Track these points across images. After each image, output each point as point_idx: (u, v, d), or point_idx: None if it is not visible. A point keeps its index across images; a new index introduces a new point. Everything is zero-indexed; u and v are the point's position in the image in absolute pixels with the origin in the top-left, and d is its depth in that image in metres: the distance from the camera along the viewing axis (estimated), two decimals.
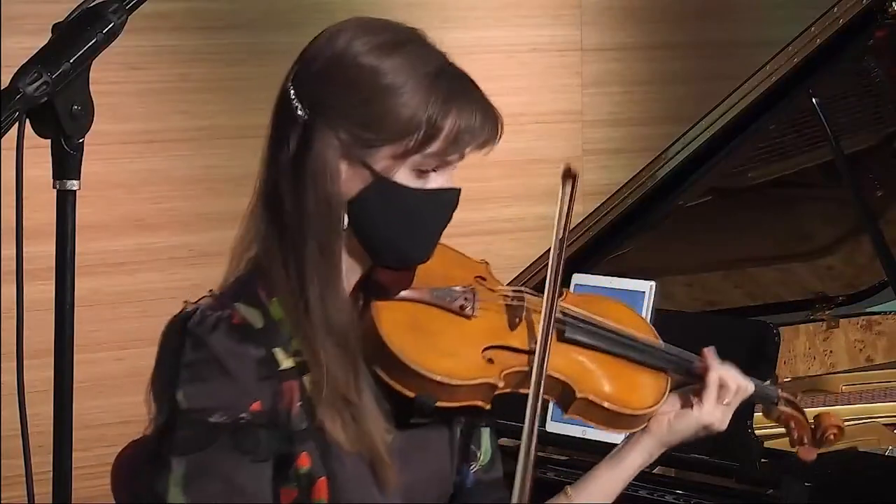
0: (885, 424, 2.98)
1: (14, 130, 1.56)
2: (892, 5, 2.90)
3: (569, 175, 1.94)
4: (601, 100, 5.12)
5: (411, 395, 1.84)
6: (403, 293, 1.89)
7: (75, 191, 1.62)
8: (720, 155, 3.15)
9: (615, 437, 2.74)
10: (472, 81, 1.86)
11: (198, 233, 4.43)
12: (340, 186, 1.81)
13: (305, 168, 1.81)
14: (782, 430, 2.96)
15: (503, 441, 2.91)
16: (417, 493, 1.90)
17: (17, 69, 1.58)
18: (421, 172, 1.83)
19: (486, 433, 2.03)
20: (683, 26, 5.28)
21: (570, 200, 1.94)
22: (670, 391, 2.05)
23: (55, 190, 1.62)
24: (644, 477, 2.72)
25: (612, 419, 2.00)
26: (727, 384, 2.06)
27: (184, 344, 1.78)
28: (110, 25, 1.61)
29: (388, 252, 1.86)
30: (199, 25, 4.43)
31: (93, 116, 1.62)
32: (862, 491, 2.64)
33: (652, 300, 2.69)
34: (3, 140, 1.57)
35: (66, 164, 1.61)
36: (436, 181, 1.84)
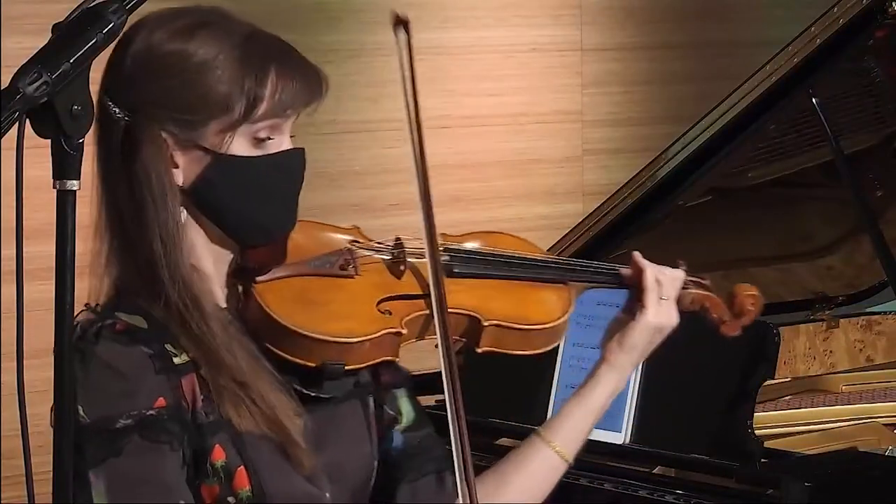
0: (885, 424, 2.98)
1: (14, 130, 1.56)
2: (892, 5, 2.90)
3: (399, 22, 1.91)
4: (601, 100, 5.12)
5: (317, 364, 1.83)
6: (280, 270, 1.87)
7: (75, 191, 1.62)
8: (720, 155, 3.15)
9: (612, 436, 2.75)
10: (285, 43, 1.88)
11: None
12: (174, 179, 1.81)
13: (136, 172, 1.80)
14: (782, 430, 2.98)
15: (503, 441, 2.92)
16: (341, 472, 1.88)
17: (17, 69, 1.57)
18: (257, 140, 1.82)
19: (402, 395, 2.00)
20: (683, 26, 5.28)
21: (410, 56, 1.90)
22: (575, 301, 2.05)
23: (55, 190, 1.61)
24: (644, 477, 2.73)
25: (526, 338, 1.98)
26: (661, 279, 2.06)
27: (72, 360, 1.73)
28: (110, 25, 1.61)
29: (247, 228, 1.84)
30: None
31: (93, 116, 1.62)
32: (862, 491, 2.64)
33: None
34: (3, 140, 1.57)
35: (66, 164, 1.61)
36: (275, 147, 1.83)
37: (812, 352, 3.52)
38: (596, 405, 2.04)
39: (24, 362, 1.62)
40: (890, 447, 2.81)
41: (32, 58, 1.58)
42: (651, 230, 3.30)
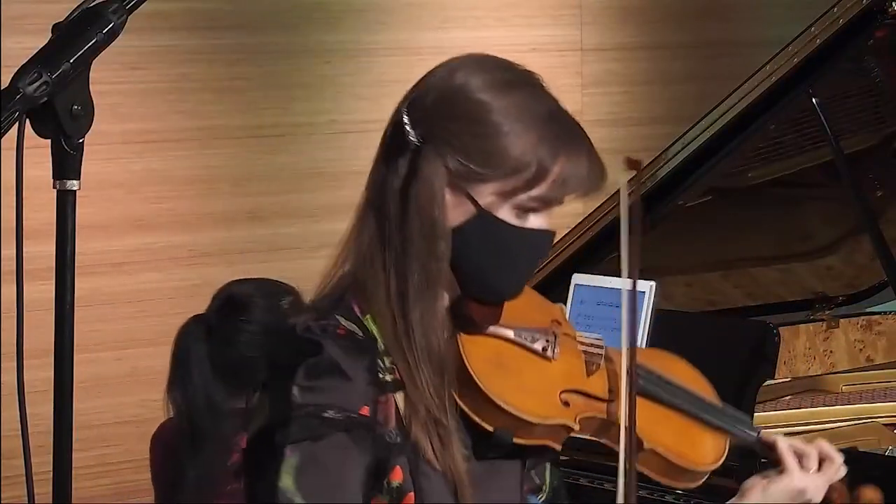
0: (885, 424, 2.98)
1: (14, 130, 1.56)
2: (892, 5, 2.90)
3: (633, 166, 1.94)
4: (601, 100, 5.13)
5: (491, 428, 1.87)
6: (490, 329, 1.91)
7: (75, 191, 1.62)
8: (720, 155, 3.15)
9: None
10: (581, 129, 1.89)
11: (198, 233, 4.43)
12: (446, 214, 1.85)
13: (412, 193, 1.84)
14: (782, 430, 2.98)
15: None
16: None
17: (17, 69, 1.58)
18: (521, 211, 1.86)
19: (548, 468, 2.06)
20: (683, 26, 5.28)
21: (634, 206, 1.94)
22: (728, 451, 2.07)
23: (55, 190, 1.62)
24: (644, 477, 2.73)
25: (673, 472, 2.03)
26: (800, 450, 2.08)
27: (300, 352, 1.81)
28: (110, 25, 1.61)
29: (480, 284, 1.89)
30: (199, 25, 4.43)
31: (93, 116, 1.62)
32: None
33: (652, 300, 2.70)
34: (3, 140, 1.57)
35: (66, 164, 1.61)
36: (534, 222, 1.87)
37: (812, 352, 3.52)
38: None
39: (24, 362, 1.62)
40: (890, 447, 2.81)
41: (32, 58, 1.59)
42: (651, 230, 3.30)
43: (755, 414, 2.69)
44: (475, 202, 1.84)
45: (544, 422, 1.89)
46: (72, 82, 1.58)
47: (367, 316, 1.86)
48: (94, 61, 1.61)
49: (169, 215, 4.39)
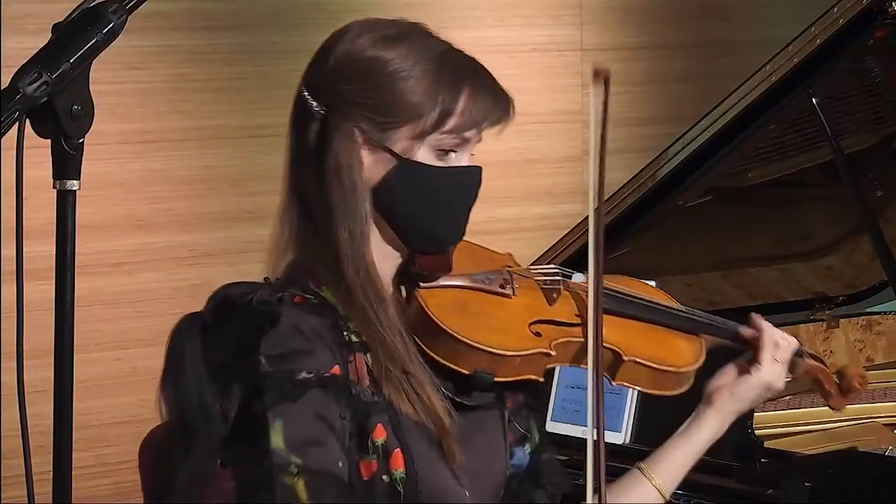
0: (885, 424, 2.98)
1: (14, 130, 1.56)
2: (892, 5, 2.90)
3: (598, 77, 1.93)
4: None
5: (469, 371, 1.90)
6: (444, 280, 1.96)
7: (75, 191, 1.62)
8: (720, 155, 3.15)
9: (612, 436, 2.74)
10: (478, 63, 1.95)
11: (198, 233, 4.43)
12: (363, 174, 1.89)
13: (328, 162, 1.89)
14: (782, 430, 2.98)
15: None
16: (479, 476, 1.97)
17: (17, 69, 1.58)
18: (441, 152, 1.90)
19: (531, 417, 2.09)
20: (683, 26, 5.28)
21: (604, 113, 1.93)
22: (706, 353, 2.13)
23: (55, 190, 1.62)
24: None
25: (659, 379, 2.06)
26: (779, 342, 2.14)
27: (258, 321, 1.84)
28: (110, 25, 1.61)
29: (419, 234, 1.93)
30: (199, 25, 4.43)
31: (93, 116, 1.62)
32: (862, 491, 2.64)
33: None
34: (3, 140, 1.57)
35: (66, 164, 1.61)
36: (456, 160, 1.92)
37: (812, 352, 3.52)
38: (698, 446, 2.14)
39: (24, 362, 1.62)
40: (890, 447, 2.81)
41: (32, 58, 1.59)
42: (651, 230, 3.30)
43: (755, 414, 2.69)
44: (392, 151, 1.89)
45: (520, 353, 1.93)
46: (72, 82, 1.58)
47: (323, 288, 1.91)
48: (94, 61, 1.61)
49: (169, 215, 4.39)
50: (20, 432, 1.62)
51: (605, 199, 3.29)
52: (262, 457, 1.80)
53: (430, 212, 1.91)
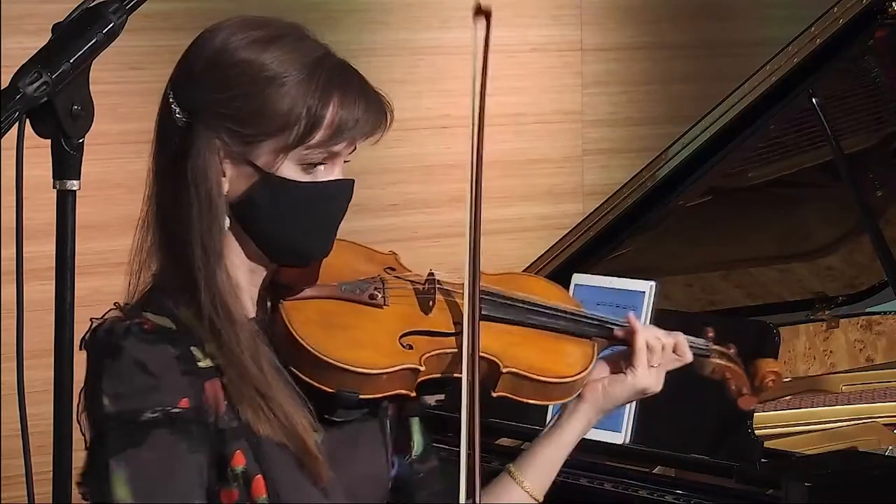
0: (885, 424, 2.98)
1: (14, 130, 1.56)
2: (892, 5, 2.90)
3: (479, 12, 1.88)
4: (601, 100, 5.12)
5: (332, 391, 1.82)
6: (310, 291, 1.88)
7: (75, 191, 1.62)
8: (720, 155, 3.15)
9: (612, 436, 2.75)
10: (354, 71, 1.87)
11: None
12: (222, 188, 1.81)
13: (186, 172, 1.81)
14: (782, 430, 2.98)
15: (504, 441, 2.92)
16: (356, 491, 1.89)
17: (17, 69, 1.58)
18: (308, 166, 1.82)
19: (415, 423, 2.01)
20: (683, 26, 5.28)
21: (485, 51, 1.87)
22: (598, 357, 2.04)
23: (55, 190, 1.62)
24: (644, 477, 2.73)
25: (543, 390, 1.97)
26: (653, 346, 2.04)
27: (100, 355, 1.78)
28: (110, 25, 1.61)
29: (283, 250, 1.85)
30: (199, 25, 4.37)
31: (93, 116, 1.62)
32: (862, 491, 2.64)
33: (652, 300, 2.69)
34: (3, 140, 1.57)
35: (66, 164, 1.61)
36: (325, 174, 1.83)
37: (812, 352, 3.52)
38: (567, 445, 2.04)
39: (24, 362, 1.62)
40: (890, 447, 2.81)
41: (32, 58, 1.59)
42: (651, 230, 3.30)
43: (755, 414, 2.69)
44: (254, 165, 1.80)
45: (386, 370, 1.84)
46: (72, 82, 1.58)
47: (181, 307, 1.82)
48: (94, 61, 1.61)
49: None
50: (20, 432, 1.62)
51: (605, 199, 3.32)
52: None
53: (295, 227, 1.82)
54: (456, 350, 1.89)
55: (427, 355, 1.88)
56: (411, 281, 1.97)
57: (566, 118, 5.02)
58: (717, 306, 3.65)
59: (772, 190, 3.41)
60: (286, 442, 1.79)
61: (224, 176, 1.82)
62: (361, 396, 1.84)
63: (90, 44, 1.59)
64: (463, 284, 1.87)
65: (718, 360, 2.17)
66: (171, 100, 1.85)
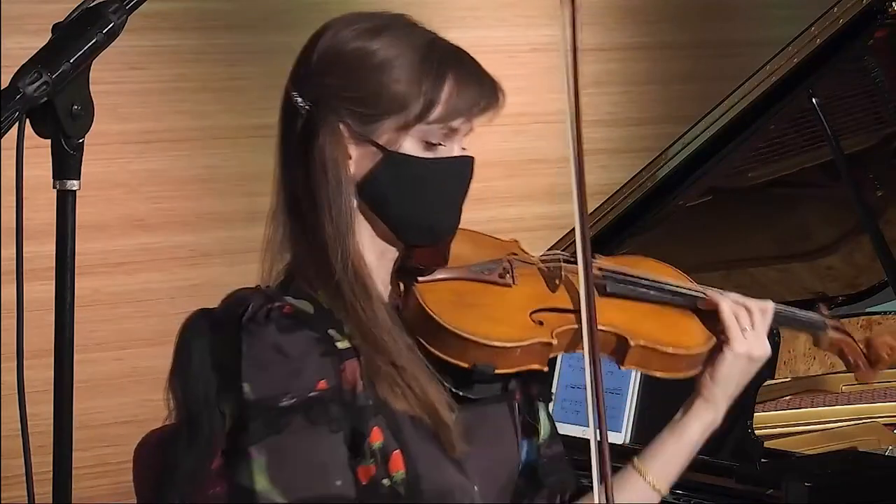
0: (885, 424, 2.98)
1: (14, 130, 1.56)
2: (892, 5, 2.90)
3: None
4: (601, 100, 5.12)
5: (468, 365, 1.88)
6: (441, 273, 1.94)
7: (75, 191, 1.62)
8: (720, 155, 3.15)
9: (612, 436, 2.74)
10: (463, 51, 1.92)
11: (198, 233, 4.43)
12: (350, 168, 1.87)
13: (313, 158, 1.87)
14: (782, 430, 2.98)
15: None
16: (489, 469, 1.94)
17: (17, 69, 1.58)
18: (429, 144, 1.88)
19: (542, 408, 2.07)
20: (683, 26, 5.28)
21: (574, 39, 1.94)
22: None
23: (55, 190, 1.62)
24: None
25: (670, 362, 2.02)
26: (739, 313, 2.06)
27: (241, 339, 1.82)
28: (110, 25, 1.61)
29: (411, 226, 1.90)
30: (199, 25, 4.43)
31: (93, 116, 1.62)
32: (862, 491, 2.64)
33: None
34: (3, 140, 1.57)
35: (66, 164, 1.61)
36: (445, 151, 1.89)
37: (812, 352, 3.52)
38: (691, 439, 2.06)
39: (25, 362, 1.62)
40: (890, 447, 2.81)
41: (32, 58, 1.59)
42: (651, 230, 3.30)
43: (755, 414, 2.69)
44: (377, 144, 1.86)
45: (520, 343, 1.90)
46: (72, 82, 1.58)
47: (319, 291, 1.88)
48: (94, 61, 1.61)
49: (169, 215, 4.39)
50: (20, 432, 1.62)
51: (605, 199, 3.32)
52: (246, 496, 1.78)
53: (420, 204, 1.89)
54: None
55: (558, 330, 1.94)
56: (536, 262, 2.04)
57: (566, 118, 5.02)
58: None
59: (772, 190, 3.41)
60: (421, 414, 1.85)
61: (350, 158, 1.88)
62: (497, 370, 1.89)
63: (90, 44, 1.60)
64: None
65: (835, 334, 2.20)
66: (292, 92, 1.92)
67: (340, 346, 1.84)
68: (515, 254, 2.04)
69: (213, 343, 1.87)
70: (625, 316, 2.01)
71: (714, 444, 2.67)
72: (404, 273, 1.94)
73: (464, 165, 1.91)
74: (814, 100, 3.05)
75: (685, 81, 5.23)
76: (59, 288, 1.63)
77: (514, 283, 1.97)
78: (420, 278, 1.92)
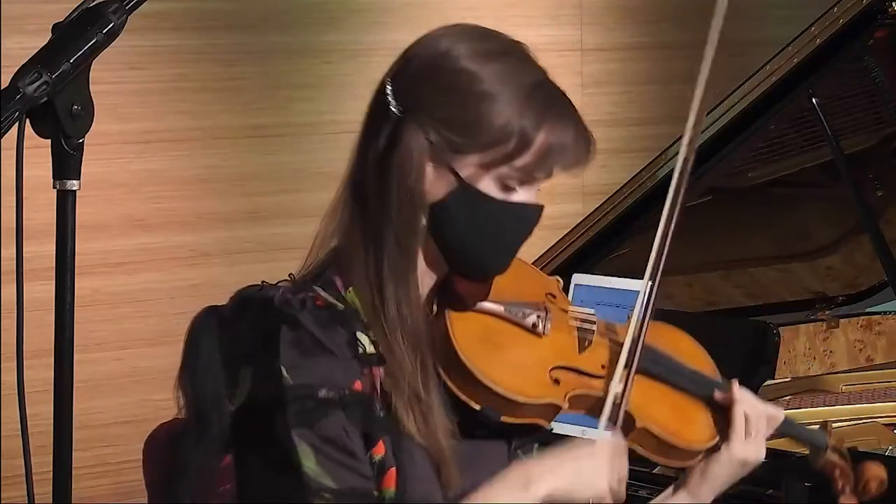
0: (885, 424, 2.98)
1: (14, 130, 1.56)
2: (892, 5, 2.90)
3: None
4: (601, 100, 5.12)
5: (477, 406, 1.85)
6: (479, 305, 1.90)
7: (75, 191, 1.62)
8: (720, 155, 3.15)
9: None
10: (568, 100, 1.88)
11: (198, 233, 4.43)
12: (425, 186, 1.82)
13: (392, 163, 1.82)
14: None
15: None
16: None
17: (17, 69, 1.58)
18: (505, 186, 1.83)
19: (535, 448, 2.03)
20: (683, 26, 5.28)
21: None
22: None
23: (55, 190, 1.62)
24: (644, 477, 2.72)
25: (667, 451, 1.99)
26: (750, 417, 2.04)
27: (278, 323, 1.79)
28: (110, 25, 1.61)
29: (466, 260, 1.87)
30: (199, 25, 4.43)
31: (93, 116, 1.62)
32: None
33: (652, 300, 2.69)
34: (3, 140, 1.57)
35: (66, 164, 1.61)
36: (520, 196, 1.84)
37: (812, 352, 3.52)
38: None
39: (25, 362, 1.62)
40: (890, 447, 2.81)
41: (32, 58, 1.59)
42: (651, 230, 3.29)
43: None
44: (457, 175, 1.81)
45: (532, 401, 1.87)
46: (72, 82, 1.58)
47: (350, 289, 1.84)
48: (94, 61, 1.61)
49: (169, 215, 4.39)
50: (20, 432, 1.62)
51: (605, 199, 3.32)
52: (293, 478, 1.75)
53: (483, 242, 1.84)
54: (598, 394, 1.92)
55: (571, 394, 1.91)
56: (574, 317, 1.99)
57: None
58: (717, 306, 3.65)
59: (772, 190, 3.41)
60: (427, 445, 1.82)
61: (427, 175, 1.83)
62: (503, 418, 1.86)
63: (90, 44, 1.60)
64: (625, 331, 1.92)
65: (833, 457, 2.16)
66: (388, 90, 1.85)
67: (366, 352, 1.82)
68: (554, 296, 2.00)
69: (222, 340, 1.86)
70: (639, 394, 1.95)
71: None
72: (441, 294, 1.91)
73: (533, 214, 1.87)
74: (814, 100, 3.05)
75: (685, 81, 5.19)
76: (59, 288, 1.63)
77: (545, 333, 1.93)
78: (456, 306, 1.89)
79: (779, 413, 2.08)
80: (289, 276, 1.89)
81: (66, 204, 1.61)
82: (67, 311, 1.62)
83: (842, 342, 3.57)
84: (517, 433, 1.96)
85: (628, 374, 1.89)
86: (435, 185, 1.83)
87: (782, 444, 2.85)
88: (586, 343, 1.97)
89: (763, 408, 2.05)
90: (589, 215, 3.32)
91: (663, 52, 5.25)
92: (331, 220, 1.89)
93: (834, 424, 2.98)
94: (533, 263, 3.27)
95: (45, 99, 1.57)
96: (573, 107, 1.88)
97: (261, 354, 1.79)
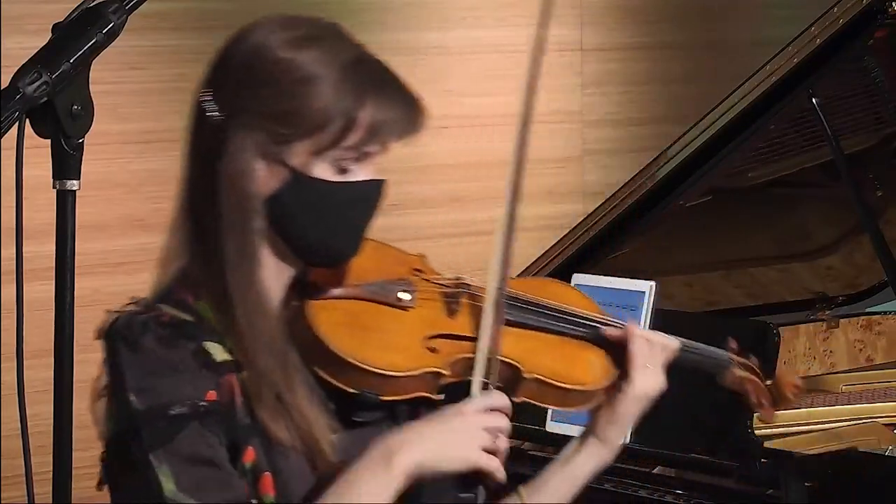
0: (885, 424, 2.98)
1: (14, 130, 1.56)
2: (892, 5, 2.90)
3: None
4: (601, 100, 5.12)
5: (354, 390, 1.82)
6: (337, 291, 1.87)
7: (75, 191, 1.62)
8: (720, 155, 3.15)
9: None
10: (390, 71, 1.84)
11: None
12: (256, 186, 1.79)
13: (220, 170, 1.79)
14: (782, 430, 2.98)
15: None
16: None
17: (17, 69, 1.58)
18: (341, 167, 1.81)
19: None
20: (683, 26, 5.28)
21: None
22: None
23: (55, 190, 1.62)
24: (644, 477, 2.73)
25: (564, 397, 1.96)
26: (645, 345, 2.00)
27: (119, 349, 1.75)
28: (110, 25, 1.61)
29: (312, 249, 1.84)
30: (199, 25, 4.43)
31: (93, 116, 1.62)
32: (862, 491, 2.64)
33: (652, 300, 2.70)
34: (3, 140, 1.57)
35: (66, 164, 1.61)
36: (358, 174, 1.82)
37: (812, 352, 3.52)
38: (580, 476, 2.01)
39: (25, 362, 1.62)
40: (890, 447, 2.81)
41: (32, 58, 1.59)
42: (651, 230, 3.30)
43: (755, 414, 2.69)
44: (287, 165, 1.79)
45: (409, 373, 1.84)
46: (72, 82, 1.59)
47: (199, 302, 1.81)
48: (94, 61, 1.61)
49: (169, 215, 4.37)
50: (20, 432, 1.63)
51: (605, 199, 3.32)
52: (154, 500, 1.71)
53: (325, 227, 1.81)
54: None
55: (451, 359, 1.88)
56: (438, 284, 1.96)
57: (566, 118, 5.02)
58: (717, 306, 3.65)
59: (772, 190, 3.41)
60: (299, 444, 1.79)
61: (257, 174, 1.80)
62: (382, 398, 1.83)
63: (90, 44, 1.60)
64: (487, 288, 1.88)
65: (740, 372, 2.14)
66: (204, 98, 1.82)
67: (219, 360, 1.77)
68: (420, 270, 1.97)
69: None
70: (521, 346, 1.93)
71: (714, 444, 2.68)
72: (298, 288, 1.87)
73: (375, 190, 1.84)
74: (814, 100, 3.05)
75: (685, 81, 5.23)
76: (59, 288, 1.63)
77: (412, 305, 1.90)
78: (314, 297, 1.85)
79: (673, 341, 2.05)
80: (130, 299, 1.85)
81: (65, 204, 1.62)
82: (67, 311, 1.62)
83: (842, 342, 3.57)
84: (408, 411, 1.91)
85: (494, 326, 1.85)
86: (268, 181, 1.80)
87: (782, 443, 2.85)
88: (456, 307, 1.93)
89: (658, 338, 2.03)
90: (589, 215, 3.33)
91: (663, 52, 5.25)
92: (172, 236, 1.86)
93: (834, 424, 3.00)
94: (533, 263, 3.29)
95: (45, 99, 1.57)
96: (396, 77, 1.84)
97: (112, 385, 1.75)
